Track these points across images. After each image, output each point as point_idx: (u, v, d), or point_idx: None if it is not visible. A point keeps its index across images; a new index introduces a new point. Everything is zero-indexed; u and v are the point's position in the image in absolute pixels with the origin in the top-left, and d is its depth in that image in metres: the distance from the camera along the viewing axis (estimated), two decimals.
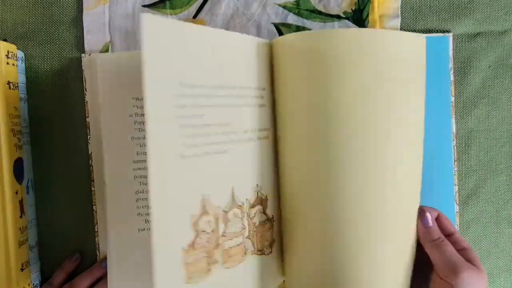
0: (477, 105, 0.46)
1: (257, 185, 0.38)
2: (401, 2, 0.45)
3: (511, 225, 0.47)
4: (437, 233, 0.38)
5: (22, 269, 0.41)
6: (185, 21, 0.45)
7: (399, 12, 0.45)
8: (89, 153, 0.45)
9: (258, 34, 0.45)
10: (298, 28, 0.45)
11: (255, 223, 0.38)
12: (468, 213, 0.47)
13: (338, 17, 0.44)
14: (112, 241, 0.43)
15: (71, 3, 0.45)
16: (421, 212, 0.39)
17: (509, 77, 0.46)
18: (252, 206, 0.38)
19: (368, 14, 0.44)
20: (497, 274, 0.47)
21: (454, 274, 0.35)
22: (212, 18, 0.45)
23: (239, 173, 0.36)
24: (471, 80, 0.46)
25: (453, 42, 0.45)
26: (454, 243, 0.38)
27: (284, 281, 0.42)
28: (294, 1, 0.45)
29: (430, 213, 0.39)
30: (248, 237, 0.37)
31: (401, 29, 0.45)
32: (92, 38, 0.45)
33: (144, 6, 0.45)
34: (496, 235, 0.47)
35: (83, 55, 0.45)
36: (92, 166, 0.45)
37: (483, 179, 0.47)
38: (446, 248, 0.37)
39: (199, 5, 0.45)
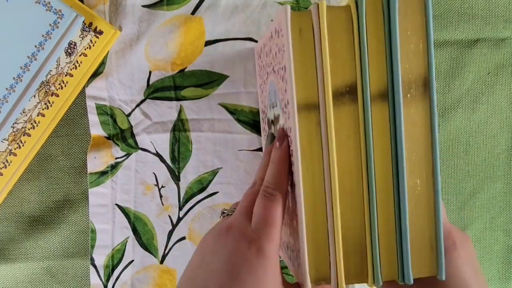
0: (476, 111, 0.45)
1: None
2: None
3: (506, 233, 0.47)
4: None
5: None
6: (183, 17, 0.44)
7: None
8: None
9: (258, 31, 0.44)
10: None
11: None
12: (464, 218, 0.46)
13: None
14: None
15: None
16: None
17: (508, 84, 0.45)
18: None
19: None
20: (489, 281, 0.47)
21: None
22: (211, 15, 0.44)
23: None
24: (470, 86, 0.45)
25: (453, 47, 0.45)
26: None
27: None
28: (294, 0, 0.44)
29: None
30: None
31: None
32: None
33: (143, 6, 0.44)
34: (490, 242, 0.47)
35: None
36: None
37: (480, 185, 0.46)
38: None
39: (197, 1, 0.44)
